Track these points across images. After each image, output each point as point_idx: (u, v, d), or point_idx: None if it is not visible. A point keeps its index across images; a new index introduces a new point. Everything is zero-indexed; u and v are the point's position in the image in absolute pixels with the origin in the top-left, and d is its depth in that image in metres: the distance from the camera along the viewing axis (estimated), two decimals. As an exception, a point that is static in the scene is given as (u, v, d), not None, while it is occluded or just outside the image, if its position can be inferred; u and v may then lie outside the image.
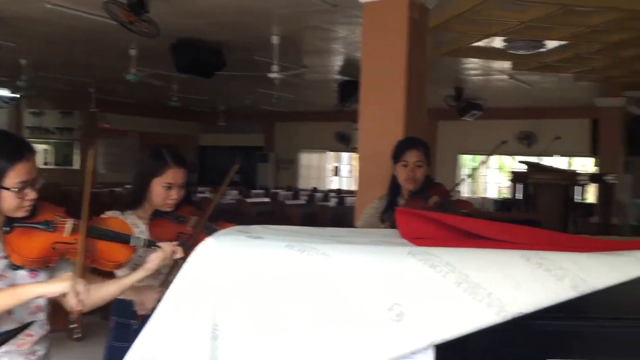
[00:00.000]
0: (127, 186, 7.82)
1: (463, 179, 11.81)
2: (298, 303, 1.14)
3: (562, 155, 12.48)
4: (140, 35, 5.56)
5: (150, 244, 1.91)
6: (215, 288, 1.15)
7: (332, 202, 11.09)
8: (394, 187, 2.96)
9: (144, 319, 1.85)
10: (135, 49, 7.40)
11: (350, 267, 1.16)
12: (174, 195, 2.31)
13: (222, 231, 1.35)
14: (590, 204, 8.65)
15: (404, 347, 1.14)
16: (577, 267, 1.17)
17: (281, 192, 12.64)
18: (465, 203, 3.11)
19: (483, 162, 11.59)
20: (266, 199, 11.31)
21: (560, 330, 1.26)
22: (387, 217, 2.87)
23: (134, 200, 2.38)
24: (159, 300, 1.80)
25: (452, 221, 1.41)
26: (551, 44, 6.54)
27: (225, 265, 1.15)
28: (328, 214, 9.15)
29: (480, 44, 6.67)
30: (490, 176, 14.30)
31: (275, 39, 6.75)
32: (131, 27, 5.27)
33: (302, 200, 11.34)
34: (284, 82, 8.40)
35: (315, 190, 13.56)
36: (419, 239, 1.35)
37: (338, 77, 9.39)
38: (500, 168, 14.27)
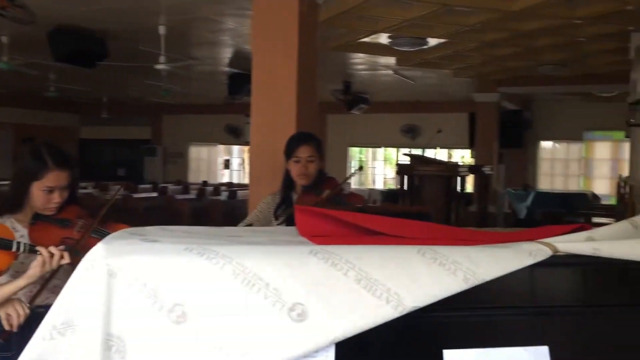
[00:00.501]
0: (2, 182, 7.25)
1: (354, 173, 12.08)
2: (199, 308, 1.11)
3: (443, 147, 13.11)
4: (14, 22, 5.17)
5: (32, 250, 1.78)
6: (109, 297, 1.09)
7: (224, 195, 10.93)
8: (287, 183, 2.97)
9: (9, 335, 1.68)
10: (6, 36, 6.87)
11: (251, 270, 1.14)
12: (57, 199, 2.15)
13: (114, 235, 1.28)
14: (470, 194, 9.15)
15: (306, 347, 1.15)
16: (468, 260, 1.23)
17: (170, 187, 12.28)
18: (358, 197, 3.17)
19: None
20: (154, 194, 10.95)
21: (454, 322, 1.32)
22: (281, 213, 2.87)
23: (13, 204, 2.20)
24: (25, 315, 1.68)
25: (350, 218, 1.44)
26: (432, 41, 6.85)
27: (119, 272, 1.10)
28: (220, 208, 9.03)
29: (367, 39, 6.84)
30: (378, 168, 14.74)
31: (162, 29, 6.53)
32: (3, 12, 4.88)
33: (192, 195, 11.08)
34: (171, 73, 8.16)
35: (205, 184, 13.31)
36: (318, 237, 1.36)
37: (227, 69, 9.25)
38: (387, 160, 14.74)
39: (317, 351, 1.21)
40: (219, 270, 1.13)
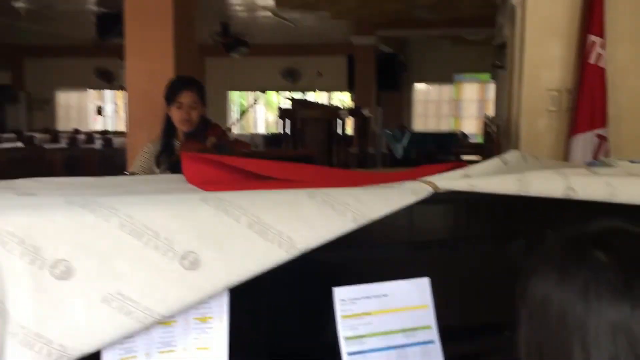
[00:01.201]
0: None
1: (237, 118, 11.93)
2: (85, 262, 1.07)
3: (323, 90, 13.26)
4: None
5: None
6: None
7: (98, 144, 10.42)
8: (169, 129, 2.88)
9: None
10: None
11: (139, 220, 1.10)
12: None
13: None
14: (350, 136, 9.38)
15: (200, 294, 1.14)
16: (356, 201, 1.27)
17: (37, 136, 11.48)
18: (243, 143, 3.15)
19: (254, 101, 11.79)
20: (19, 144, 10.20)
21: (343, 260, 1.37)
22: (164, 161, 2.80)
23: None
24: None
25: (238, 164, 1.42)
26: (311, -18, 6.80)
27: (-6, 230, 1.02)
28: (95, 157, 8.61)
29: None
30: (259, 112, 14.65)
31: (18, -37, 5.96)
32: None
33: (63, 144, 10.45)
34: (32, 12, 7.50)
35: (77, 132, 12.58)
36: (207, 184, 1.34)
37: (95, 8, 8.66)
38: (268, 104, 14.67)
39: (211, 297, 1.22)
40: (105, 222, 1.08)
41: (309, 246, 1.22)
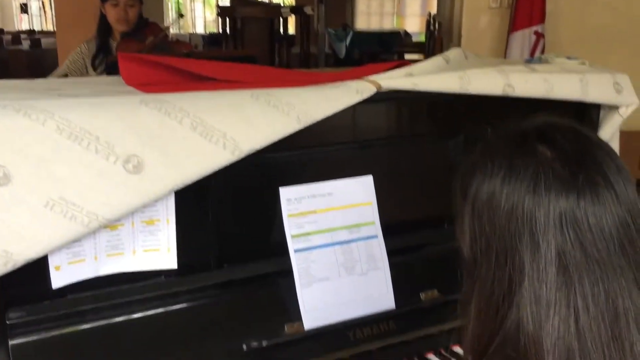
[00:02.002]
0: None
1: (176, 18, 11.38)
2: (22, 168, 1.04)
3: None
4: None
5: None
6: None
7: (25, 45, 9.79)
8: (104, 28, 2.73)
9: None
10: None
11: (77, 124, 1.07)
12: None
13: None
14: (292, 36, 9.15)
15: (145, 197, 1.14)
16: (301, 101, 1.26)
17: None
18: (184, 44, 3.04)
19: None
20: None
21: (288, 161, 1.38)
22: (100, 62, 2.68)
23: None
24: None
25: (179, 64, 1.38)
26: None
27: None
28: (22, 59, 8.13)
29: None
30: (197, 11, 14.04)
31: None
32: None
33: (24, 46, 9.76)
34: None
35: (1, 32, 11.78)
36: (146, 85, 1.30)
37: None
38: (207, 2, 14.05)
39: (156, 200, 1.21)
40: (41, 126, 1.04)
41: (254, 147, 1.21)
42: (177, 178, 1.16)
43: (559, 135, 0.75)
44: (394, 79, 1.38)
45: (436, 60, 1.56)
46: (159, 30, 2.73)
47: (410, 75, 1.43)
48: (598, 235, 0.70)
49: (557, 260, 0.70)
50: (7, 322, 1.11)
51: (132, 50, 2.44)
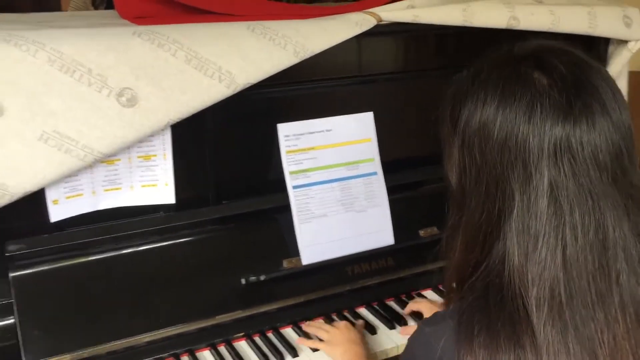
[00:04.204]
0: None
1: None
2: (14, 99, 1.03)
3: None
4: None
5: None
6: None
7: (29, -13, 9.64)
8: None
9: None
10: None
11: (69, 56, 1.05)
12: None
13: None
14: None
15: (140, 131, 1.13)
16: (298, 33, 1.23)
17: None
18: None
19: None
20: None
21: (286, 96, 1.36)
22: (99, 2, 2.63)
23: None
24: None
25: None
26: None
27: None
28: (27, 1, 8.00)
29: None
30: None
31: None
32: None
33: None
34: None
35: (4, -26, 11.56)
36: (141, 18, 1.27)
37: None
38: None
39: (152, 135, 1.21)
40: (31, 57, 1.03)
41: (250, 81, 1.19)
42: (172, 112, 1.14)
43: (555, 60, 0.71)
44: (395, 11, 1.34)
45: (440, -8, 1.50)
46: None
47: (412, 7, 1.38)
48: (592, 164, 0.68)
49: (549, 191, 0.68)
50: (7, 254, 1.12)
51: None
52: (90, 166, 1.17)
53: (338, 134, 1.41)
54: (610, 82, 0.72)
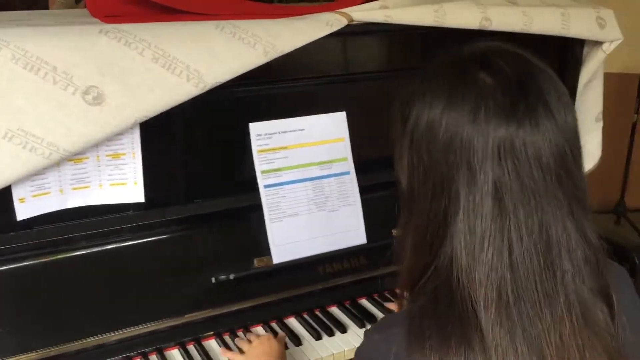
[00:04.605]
0: None
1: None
2: (-22, 98, 1.03)
3: None
4: None
5: None
6: None
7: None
8: None
9: None
10: None
11: (33, 54, 1.05)
12: None
13: None
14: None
15: (107, 129, 1.13)
16: (268, 33, 1.23)
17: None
18: None
19: None
20: None
21: (259, 95, 1.36)
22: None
23: None
24: None
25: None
26: None
27: None
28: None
29: None
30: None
31: None
32: None
33: None
34: None
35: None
36: (110, 17, 1.27)
37: None
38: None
39: (121, 133, 1.21)
40: (-3, 54, 1.03)
41: (219, 80, 1.19)
42: (139, 110, 1.14)
43: (501, 61, 0.71)
44: (366, 11, 1.34)
45: (414, -6, 1.51)
46: None
47: (385, 7, 1.39)
48: (535, 165, 0.68)
49: (494, 191, 0.68)
50: (-27, 252, 1.13)
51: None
52: (57, 164, 1.17)
53: (311, 134, 1.41)
54: (557, 85, 0.72)
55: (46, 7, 3.05)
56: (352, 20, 1.33)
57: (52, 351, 1.17)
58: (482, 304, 0.68)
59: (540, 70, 0.72)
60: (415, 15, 1.36)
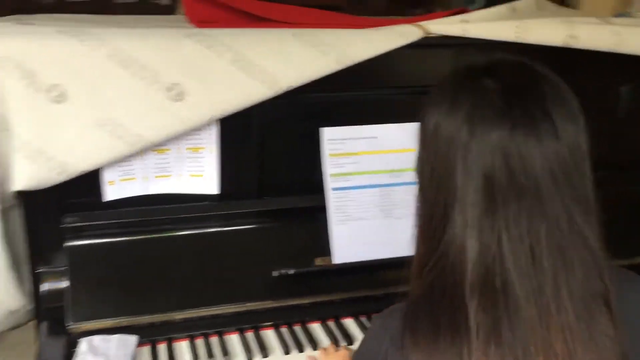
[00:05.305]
0: None
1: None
2: (77, 88, 1.17)
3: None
4: None
5: None
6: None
7: None
8: None
9: None
10: None
11: (125, 52, 1.18)
12: None
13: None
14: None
15: (186, 124, 1.23)
16: (341, 42, 1.29)
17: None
18: None
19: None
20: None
21: (332, 101, 1.42)
22: None
23: None
24: None
25: (239, 4, 1.45)
26: None
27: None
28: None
29: None
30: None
31: None
32: None
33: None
34: None
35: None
36: (203, 22, 1.39)
37: None
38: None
39: (200, 129, 1.31)
40: (93, 51, 1.16)
41: (291, 84, 1.26)
42: (216, 108, 1.24)
43: (507, 69, 0.75)
44: (444, 25, 1.36)
45: (501, 9, 1.50)
46: None
47: (465, 21, 1.40)
48: (528, 167, 0.70)
49: (485, 187, 0.71)
50: (61, 225, 1.27)
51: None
52: (142, 154, 1.30)
53: (383, 142, 1.44)
54: (563, 94, 0.74)
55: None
56: (429, 33, 1.35)
57: (124, 321, 1.29)
58: (468, 289, 0.72)
59: (546, 79, 0.75)
60: (494, 30, 1.36)
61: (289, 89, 1.27)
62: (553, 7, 1.67)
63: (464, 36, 1.35)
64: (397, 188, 1.45)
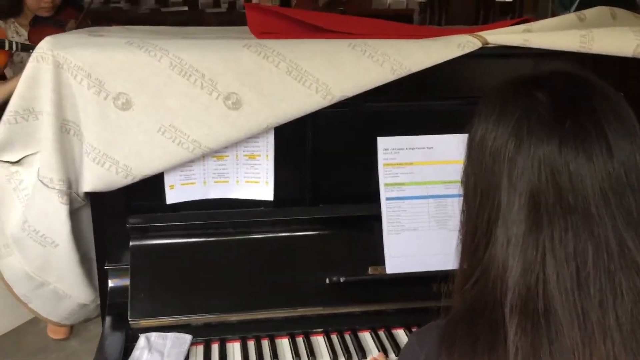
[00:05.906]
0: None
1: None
2: (141, 96, 1.24)
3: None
4: None
5: (26, 48, 1.93)
6: (58, 86, 1.21)
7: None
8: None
9: None
10: None
11: (187, 62, 1.24)
12: None
13: (72, 31, 1.38)
14: (506, 2, 8.73)
15: (243, 131, 1.28)
16: (397, 52, 1.29)
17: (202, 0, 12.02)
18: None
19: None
20: (185, 7, 10.78)
21: (388, 111, 1.43)
22: None
23: (11, 6, 2.32)
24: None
25: (299, 16, 1.49)
26: None
27: (64, 63, 1.21)
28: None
29: None
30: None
31: None
32: None
33: (223, 8, 10.86)
34: None
35: (236, -3, 12.95)
36: (264, 34, 1.43)
37: None
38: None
39: (257, 137, 1.36)
40: (157, 62, 1.23)
41: (345, 94, 1.28)
42: (271, 116, 1.28)
43: (559, 81, 0.72)
44: (503, 35, 1.34)
45: (567, 17, 1.46)
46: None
47: (528, 31, 1.37)
48: (577, 185, 0.67)
49: (530, 203, 0.68)
50: (127, 225, 1.35)
51: (308, 8, 2.58)
52: (202, 159, 1.36)
53: (439, 152, 1.43)
54: (619, 108, 0.70)
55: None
56: (487, 43, 1.33)
57: (181, 320, 1.34)
58: (508, 310, 0.69)
59: (601, 93, 0.71)
60: (557, 40, 1.32)
61: (343, 98, 1.29)
62: (632, 16, 1.59)
63: (525, 46, 1.32)
64: (452, 199, 1.43)
